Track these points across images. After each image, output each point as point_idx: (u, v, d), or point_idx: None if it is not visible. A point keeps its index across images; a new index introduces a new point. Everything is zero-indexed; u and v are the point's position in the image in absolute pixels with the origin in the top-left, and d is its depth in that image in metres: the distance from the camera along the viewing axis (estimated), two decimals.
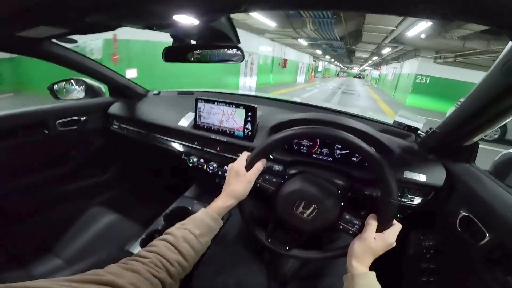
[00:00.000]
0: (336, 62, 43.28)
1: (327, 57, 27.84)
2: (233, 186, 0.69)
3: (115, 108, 1.50)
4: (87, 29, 0.82)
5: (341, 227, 0.71)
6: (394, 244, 0.64)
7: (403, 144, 0.97)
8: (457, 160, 0.88)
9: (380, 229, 0.65)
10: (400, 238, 0.66)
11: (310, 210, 0.72)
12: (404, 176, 0.88)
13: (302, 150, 1.08)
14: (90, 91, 1.50)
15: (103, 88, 1.58)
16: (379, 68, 34.48)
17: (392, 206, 0.64)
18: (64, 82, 1.44)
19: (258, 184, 0.77)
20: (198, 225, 0.60)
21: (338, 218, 0.72)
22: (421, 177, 0.87)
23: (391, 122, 1.13)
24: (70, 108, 1.40)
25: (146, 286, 0.43)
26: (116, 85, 1.50)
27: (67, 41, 1.05)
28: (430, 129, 0.92)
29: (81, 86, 1.48)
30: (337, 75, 65.21)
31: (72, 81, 1.45)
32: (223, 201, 0.68)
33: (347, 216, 0.71)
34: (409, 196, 0.90)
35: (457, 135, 0.80)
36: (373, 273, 0.61)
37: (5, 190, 1.22)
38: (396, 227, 0.66)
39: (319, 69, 36.13)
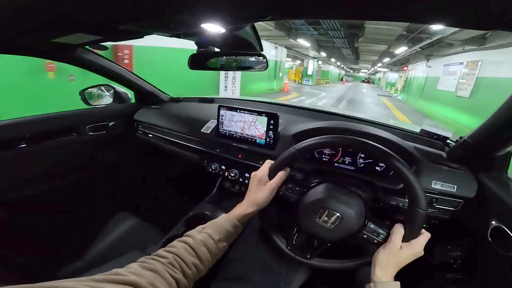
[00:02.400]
0: (338, 63, 35.15)
1: (323, 54, 19.13)
2: (255, 194, 0.70)
3: (140, 114, 1.55)
4: (118, 36, 0.87)
5: (365, 236, 0.71)
6: (422, 253, 0.63)
7: (431, 153, 0.94)
8: (489, 170, 0.85)
9: (407, 238, 0.64)
10: (426, 248, 0.65)
11: (334, 218, 0.71)
12: (432, 186, 0.85)
13: (324, 159, 1.07)
14: (118, 97, 1.56)
15: (129, 94, 1.64)
16: (404, 68, 20.15)
17: (420, 216, 0.63)
18: (96, 88, 1.50)
19: (281, 193, 0.76)
20: (219, 230, 0.61)
21: (362, 227, 0.71)
22: (451, 188, 0.84)
23: (416, 130, 1.10)
24: (99, 113, 1.46)
25: (164, 286, 0.44)
26: (142, 91, 1.55)
27: (99, 48, 1.10)
28: (461, 138, 0.89)
29: (110, 92, 1.55)
30: (341, 79, 51.39)
31: (101, 87, 1.52)
32: (245, 208, 0.68)
33: (371, 226, 0.71)
34: (437, 206, 0.87)
35: (490, 145, 0.78)
36: (398, 283, 0.59)
37: (33, 191, 1.27)
38: (425, 236, 0.65)
39: (309, 72, 24.48)
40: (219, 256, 0.60)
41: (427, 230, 0.67)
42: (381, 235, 0.69)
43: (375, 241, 0.69)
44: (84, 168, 1.48)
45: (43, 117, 1.24)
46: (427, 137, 1.03)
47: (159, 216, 1.29)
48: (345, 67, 46.00)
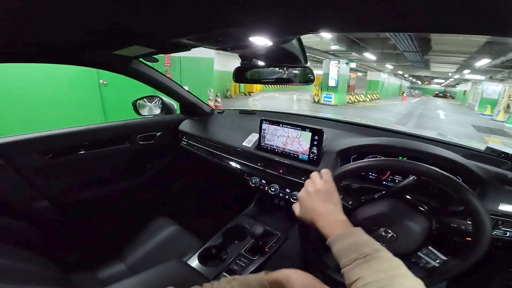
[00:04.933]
0: (401, 72, 21.45)
1: (388, 66, 14.92)
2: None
3: (185, 125, 1.61)
4: (169, 49, 0.91)
5: (421, 258, 0.70)
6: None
7: (499, 173, 0.84)
8: None
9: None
10: (487, 269, 0.64)
11: (389, 237, 0.70)
12: (499, 208, 0.78)
13: (371, 177, 1.00)
14: (165, 108, 1.64)
15: (175, 105, 1.71)
16: None
17: (484, 243, 0.62)
18: (145, 99, 1.60)
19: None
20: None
21: (418, 248, 0.70)
22: None
23: (481, 148, 1.00)
24: (149, 124, 1.55)
25: None
26: (186, 102, 1.61)
27: (151, 60, 1.17)
28: None
29: (158, 103, 1.63)
30: (402, 93, 29.71)
31: (151, 98, 1.61)
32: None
33: (430, 248, 0.70)
34: (503, 228, 0.79)
35: None
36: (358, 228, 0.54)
37: (86, 195, 1.37)
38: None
39: (331, 82, 13.32)
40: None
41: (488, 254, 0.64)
42: (439, 260, 0.67)
43: (429, 265, 0.68)
44: (133, 175, 1.56)
45: (100, 126, 1.35)
46: (493, 155, 0.93)
47: (198, 226, 1.31)
48: (408, 76, 30.54)
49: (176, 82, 1.53)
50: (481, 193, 0.80)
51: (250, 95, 15.98)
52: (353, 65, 14.14)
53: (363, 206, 0.76)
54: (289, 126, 1.09)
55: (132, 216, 1.46)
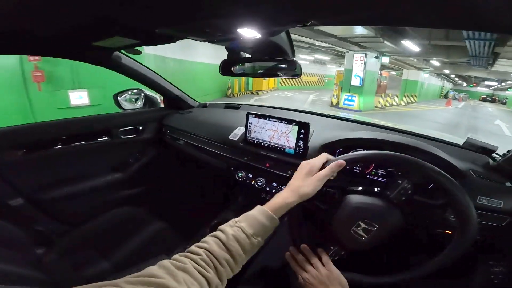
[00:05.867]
0: (447, 71, 17.06)
1: (434, 63, 12.35)
2: (302, 183, 0.64)
3: (169, 119, 1.57)
4: (154, 41, 0.88)
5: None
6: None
7: (476, 167, 0.88)
8: None
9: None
10: (467, 263, 0.65)
11: (370, 229, 0.70)
12: (477, 201, 0.80)
13: (355, 170, 1.02)
14: (148, 101, 1.60)
15: (159, 98, 1.67)
16: None
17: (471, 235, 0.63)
18: (128, 92, 1.55)
19: (324, 189, 0.73)
20: (252, 224, 0.56)
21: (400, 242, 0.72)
22: (497, 203, 0.80)
23: (459, 143, 1.03)
24: (131, 117, 1.50)
25: (195, 287, 0.42)
26: (171, 96, 1.57)
27: (134, 52, 1.13)
28: (509, 151, 0.84)
29: (140, 96, 1.59)
30: (444, 96, 27.96)
31: (133, 91, 1.56)
32: (285, 197, 0.61)
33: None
34: (481, 222, 0.81)
35: None
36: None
37: (65, 191, 1.31)
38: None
39: (354, 81, 10.15)
40: (253, 253, 0.55)
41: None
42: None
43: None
44: (115, 170, 1.51)
45: (78, 119, 1.29)
46: (471, 150, 0.97)
47: (185, 222, 1.29)
48: (454, 77, 25.04)
49: (160, 75, 1.48)
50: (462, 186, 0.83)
51: (258, 93, 13.70)
52: (385, 60, 10.68)
53: (350, 199, 0.76)
54: (276, 120, 1.09)
55: (115, 212, 1.42)
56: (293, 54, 1.01)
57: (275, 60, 1.05)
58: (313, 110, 1.52)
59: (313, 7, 0.53)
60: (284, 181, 1.08)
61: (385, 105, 12.38)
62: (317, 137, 1.09)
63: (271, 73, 1.09)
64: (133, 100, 1.56)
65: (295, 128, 1.05)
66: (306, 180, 0.64)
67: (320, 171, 0.65)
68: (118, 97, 1.50)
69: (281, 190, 0.76)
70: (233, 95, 11.68)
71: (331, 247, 0.76)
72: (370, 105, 11.13)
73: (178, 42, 0.89)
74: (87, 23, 0.61)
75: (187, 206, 1.69)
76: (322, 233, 0.78)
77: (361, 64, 9.94)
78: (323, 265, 0.71)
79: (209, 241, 0.52)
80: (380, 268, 0.80)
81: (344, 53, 10.45)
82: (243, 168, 1.21)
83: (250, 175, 1.19)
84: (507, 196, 0.81)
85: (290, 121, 1.06)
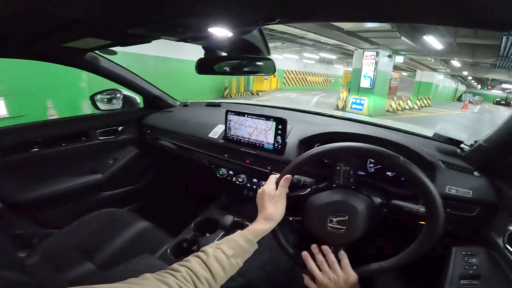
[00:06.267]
0: (465, 73, 15.73)
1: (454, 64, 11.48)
2: (270, 209, 0.69)
3: (149, 119, 1.56)
4: (127, 41, 0.87)
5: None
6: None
7: (445, 158, 0.92)
8: (505, 174, 0.82)
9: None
10: (441, 254, 0.65)
11: (344, 222, 0.72)
12: (447, 191, 0.83)
13: (325, 162, 1.05)
14: (127, 102, 1.58)
15: (138, 98, 1.65)
16: None
17: (439, 223, 0.63)
18: (104, 93, 1.52)
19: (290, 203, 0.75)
20: (232, 246, 0.60)
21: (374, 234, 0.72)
22: (466, 193, 0.82)
23: (429, 135, 1.07)
24: (109, 118, 1.48)
25: None
26: (150, 96, 1.56)
27: (108, 53, 1.12)
28: (476, 142, 0.87)
29: (119, 97, 1.56)
30: (458, 99, 27.15)
31: (111, 91, 1.54)
32: (261, 225, 0.67)
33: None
34: (451, 212, 0.84)
35: (507, 149, 0.76)
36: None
37: (43, 194, 1.28)
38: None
39: (364, 83, 9.17)
40: (233, 272, 0.59)
41: (442, 236, 0.65)
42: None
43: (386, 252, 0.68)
44: (94, 172, 1.49)
45: (54, 121, 1.27)
46: (440, 141, 1.01)
47: (168, 220, 1.29)
48: (471, 79, 23.28)
49: (138, 75, 1.47)
50: (430, 176, 0.86)
51: (258, 94, 13.12)
52: (399, 59, 9.52)
53: (321, 193, 0.78)
54: (254, 117, 1.11)
55: (97, 213, 1.40)
56: (268, 52, 1.03)
57: (250, 58, 1.07)
58: (292, 106, 1.54)
59: (279, 5, 0.54)
60: (265, 176, 1.11)
61: (397, 109, 11.44)
62: (295, 132, 1.12)
63: (247, 70, 1.10)
64: (110, 100, 1.54)
65: (273, 124, 1.07)
66: (271, 205, 0.69)
67: (276, 192, 0.71)
68: (95, 98, 1.48)
69: (262, 185, 0.79)
70: (230, 95, 11.25)
71: (341, 250, 0.75)
72: (381, 109, 10.05)
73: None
74: (55, 25, 0.61)
75: (170, 205, 1.69)
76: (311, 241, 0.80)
77: (371, 64, 8.91)
78: (341, 267, 0.71)
79: (191, 260, 0.55)
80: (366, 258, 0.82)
81: (353, 51, 9.51)
82: (224, 165, 1.22)
83: (231, 172, 1.21)
84: (475, 185, 0.83)
85: (268, 118, 1.08)
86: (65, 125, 1.31)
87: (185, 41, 0.86)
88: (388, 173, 0.95)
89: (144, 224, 1.27)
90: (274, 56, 15.53)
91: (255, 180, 1.16)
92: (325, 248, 0.73)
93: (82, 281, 0.76)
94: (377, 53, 8.71)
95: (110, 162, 1.55)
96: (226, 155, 1.21)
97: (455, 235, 0.89)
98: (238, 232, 0.65)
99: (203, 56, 1.10)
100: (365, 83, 9.22)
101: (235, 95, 11.72)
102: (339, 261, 0.72)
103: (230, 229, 1.04)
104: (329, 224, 0.72)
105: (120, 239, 1.21)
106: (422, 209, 0.73)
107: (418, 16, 0.51)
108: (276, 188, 0.72)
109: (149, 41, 0.87)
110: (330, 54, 14.96)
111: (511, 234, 0.70)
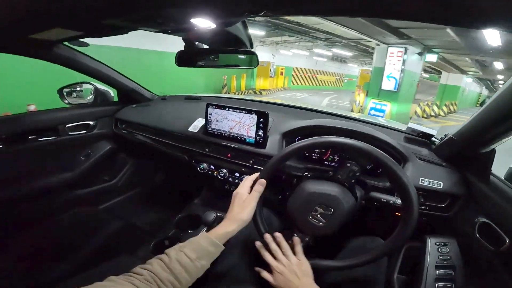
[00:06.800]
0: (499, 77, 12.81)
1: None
2: (237, 211, 0.69)
3: (124, 113, 1.49)
4: (101, 32, 0.81)
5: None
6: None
7: (418, 151, 0.96)
8: (474, 166, 0.88)
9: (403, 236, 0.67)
10: (417, 246, 0.66)
11: (327, 212, 0.73)
12: (419, 183, 0.87)
13: (314, 157, 1.07)
14: (99, 96, 1.49)
15: (112, 92, 1.57)
16: None
17: (414, 214, 0.65)
18: (74, 86, 1.43)
19: (284, 177, 0.76)
20: (195, 249, 0.61)
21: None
22: (437, 184, 0.87)
23: (403, 128, 1.12)
24: (80, 113, 1.39)
25: None
26: (125, 89, 1.49)
27: (79, 44, 1.04)
28: (446, 135, 0.92)
29: (90, 90, 1.47)
30: (481, 104, 16.09)
31: (81, 85, 1.45)
32: (226, 227, 0.67)
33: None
34: (425, 203, 0.89)
35: (476, 142, 0.80)
36: None
37: (15, 194, 1.20)
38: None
39: (386, 84, 7.67)
40: (199, 275, 0.60)
41: (416, 226, 0.68)
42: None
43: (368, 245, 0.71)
44: (66, 170, 1.40)
45: (19, 116, 1.17)
46: (413, 134, 1.06)
47: (148, 217, 1.25)
48: (498, 82, 18.59)
49: (112, 68, 1.39)
50: (404, 168, 0.89)
51: (261, 93, 11.68)
52: (431, 58, 7.98)
53: (304, 186, 0.78)
54: (235, 110, 1.10)
55: (72, 212, 1.33)
56: (251, 45, 1.01)
57: (233, 51, 1.05)
58: (271, 100, 1.54)
59: None
60: (246, 170, 1.10)
61: (422, 116, 10.12)
62: (277, 126, 1.12)
63: (229, 64, 1.08)
64: (82, 94, 1.45)
65: (253, 117, 1.07)
66: (239, 207, 0.69)
67: (248, 196, 0.71)
68: (64, 92, 1.38)
69: (244, 178, 0.78)
70: (228, 93, 10.01)
71: (295, 235, 0.77)
72: (405, 116, 8.60)
73: None
74: (20, 15, 0.54)
75: (148, 202, 1.64)
76: (283, 223, 0.80)
77: (398, 62, 7.42)
78: (295, 254, 0.73)
79: (153, 263, 0.56)
80: (338, 252, 0.84)
81: (372, 48, 8.25)
82: (205, 159, 1.20)
83: (212, 167, 1.19)
84: (445, 177, 0.88)
85: (249, 111, 1.07)
86: (30, 120, 1.21)
87: (165, 32, 0.82)
88: (367, 166, 0.99)
89: (121, 222, 1.23)
90: (281, 51, 13.95)
91: (237, 174, 1.15)
92: (278, 235, 0.75)
93: (56, 283, 0.72)
94: (405, 50, 7.22)
95: (82, 159, 1.46)
96: (206, 149, 1.19)
97: (429, 226, 0.94)
98: (203, 234, 0.65)
99: (183, 48, 1.06)
100: (388, 85, 7.77)
101: (235, 94, 10.47)
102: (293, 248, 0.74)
103: (213, 225, 1.03)
104: (312, 213, 0.74)
105: (96, 239, 1.17)
106: (398, 201, 0.77)
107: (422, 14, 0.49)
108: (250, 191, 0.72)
109: (126, 32, 0.82)
110: (344, 50, 13.18)
111: (481, 225, 0.74)
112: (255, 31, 8.71)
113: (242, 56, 1.04)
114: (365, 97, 8.67)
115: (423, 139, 1.03)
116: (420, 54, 7.70)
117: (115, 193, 1.63)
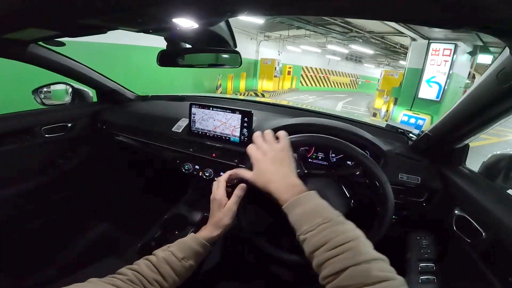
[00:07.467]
0: None
1: None
2: (218, 217, 0.67)
3: (104, 114, 1.45)
4: (78, 32, 0.78)
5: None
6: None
7: (396, 147, 0.99)
8: (449, 162, 0.91)
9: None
10: (398, 240, 0.65)
11: None
12: (399, 178, 0.90)
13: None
14: (77, 96, 1.44)
15: (91, 92, 1.51)
16: None
17: (389, 210, 0.68)
18: (50, 86, 1.37)
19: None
20: (183, 249, 0.61)
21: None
22: (415, 179, 0.89)
23: (382, 125, 1.16)
24: (56, 114, 1.33)
25: None
26: (105, 89, 1.44)
27: (55, 44, 0.99)
28: (422, 132, 0.95)
29: (67, 91, 1.42)
30: None
31: (58, 85, 1.39)
32: (210, 232, 0.66)
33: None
34: (404, 198, 0.91)
35: (450, 138, 0.83)
36: (312, 192, 0.56)
37: None
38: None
39: (425, 95, 5.59)
40: (187, 275, 0.60)
41: (397, 222, 0.70)
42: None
43: None
44: (41, 173, 1.35)
45: None
46: (392, 131, 1.10)
47: (133, 220, 1.22)
48: None
49: (90, 68, 1.34)
50: (384, 164, 0.92)
51: (263, 96, 10.14)
52: (485, 59, 5.94)
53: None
54: (219, 110, 1.10)
55: (52, 217, 1.28)
56: (235, 44, 1.01)
57: (216, 51, 1.04)
58: (255, 99, 1.54)
59: None
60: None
61: None
62: (261, 125, 1.13)
63: (212, 63, 1.07)
64: (59, 95, 1.39)
65: (237, 116, 1.07)
66: (221, 213, 0.66)
67: (229, 201, 0.67)
68: (39, 92, 1.32)
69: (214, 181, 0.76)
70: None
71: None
72: None
73: None
74: None
75: (134, 204, 1.61)
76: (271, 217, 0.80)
77: (443, 63, 5.72)
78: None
79: (140, 263, 0.56)
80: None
81: (399, 45, 6.52)
82: (189, 160, 1.19)
83: (197, 167, 1.18)
84: (423, 172, 0.91)
85: (233, 110, 1.07)
86: (3, 122, 1.15)
87: (146, 32, 0.80)
88: (348, 162, 1.01)
89: (106, 225, 1.20)
90: (289, 48, 12.64)
91: (222, 173, 1.14)
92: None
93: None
94: (455, 47, 5.53)
95: (60, 162, 1.41)
96: (191, 149, 1.18)
97: (410, 221, 0.96)
98: (191, 235, 0.65)
99: (164, 48, 1.04)
100: (427, 92, 6.05)
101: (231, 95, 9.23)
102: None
103: (199, 225, 1.02)
104: None
105: (81, 243, 1.14)
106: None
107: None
108: (228, 193, 0.69)
109: (105, 32, 0.79)
110: (365, 48, 11.44)
111: (458, 218, 0.77)
112: (253, 19, 7.43)
113: (225, 56, 1.04)
114: (393, 105, 6.93)
115: (402, 135, 1.07)
116: (471, 53, 5.98)
117: (96, 196, 1.58)
